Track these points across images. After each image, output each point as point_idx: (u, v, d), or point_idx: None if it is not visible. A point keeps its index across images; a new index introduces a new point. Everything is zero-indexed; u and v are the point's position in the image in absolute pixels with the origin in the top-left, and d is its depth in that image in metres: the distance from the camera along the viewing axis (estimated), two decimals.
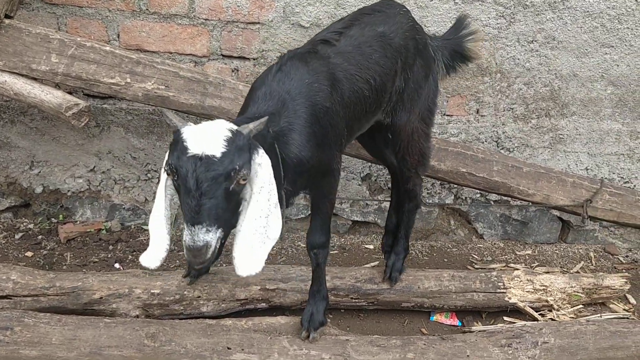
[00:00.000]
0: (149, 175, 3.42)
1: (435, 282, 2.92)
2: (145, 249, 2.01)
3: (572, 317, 3.03)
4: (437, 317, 3.00)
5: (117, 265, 3.13)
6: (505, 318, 3.02)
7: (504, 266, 3.56)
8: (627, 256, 3.86)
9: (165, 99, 2.80)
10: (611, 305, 3.21)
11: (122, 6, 3.11)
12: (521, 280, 3.04)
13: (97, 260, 3.17)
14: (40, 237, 3.30)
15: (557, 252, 3.83)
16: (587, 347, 2.52)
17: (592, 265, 3.70)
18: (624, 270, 3.65)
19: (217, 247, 1.81)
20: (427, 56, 2.66)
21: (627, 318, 3.11)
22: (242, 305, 2.74)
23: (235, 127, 1.85)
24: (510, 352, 2.46)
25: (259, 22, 3.20)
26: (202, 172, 1.74)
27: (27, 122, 3.27)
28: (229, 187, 1.78)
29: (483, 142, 3.57)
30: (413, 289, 2.89)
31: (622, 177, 3.75)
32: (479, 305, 2.98)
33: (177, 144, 1.81)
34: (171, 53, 3.20)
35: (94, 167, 3.39)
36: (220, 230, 1.78)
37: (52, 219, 3.44)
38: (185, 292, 2.64)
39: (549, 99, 3.54)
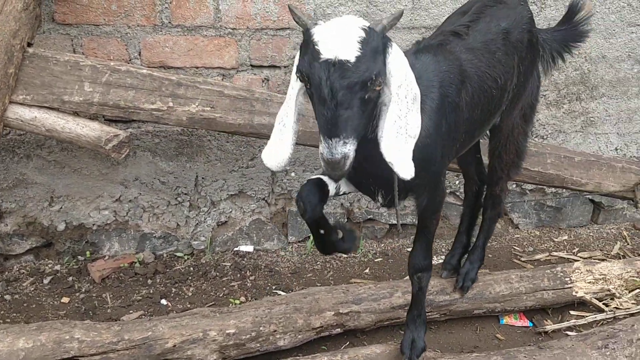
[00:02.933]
0: (179, 199, 3.19)
1: (505, 286, 2.83)
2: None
3: (634, 303, 3.01)
4: (507, 320, 2.91)
5: (164, 302, 2.91)
6: (572, 312, 2.97)
7: (548, 256, 3.52)
8: None
9: (212, 120, 2.58)
10: None
11: (142, 21, 2.84)
12: (581, 272, 2.99)
13: (140, 298, 2.93)
14: (70, 278, 3.03)
15: (591, 234, 3.81)
16: None
17: (629, 244, 3.70)
18: None
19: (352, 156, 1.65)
20: (535, 50, 2.52)
21: None
22: (318, 334, 2.59)
23: (367, 25, 1.66)
24: (608, 353, 2.39)
25: (289, 28, 3.00)
26: (337, 80, 1.57)
27: (45, 156, 2.97)
28: (365, 96, 1.62)
29: None
30: (485, 295, 2.80)
31: None
32: (548, 303, 2.92)
33: (308, 47, 1.64)
34: (197, 68, 2.97)
35: (120, 196, 3.13)
36: (356, 139, 1.64)
37: (79, 256, 3.17)
38: (261, 328, 2.46)
39: (580, 83, 3.48)
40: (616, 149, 3.69)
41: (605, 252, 3.58)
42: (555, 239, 3.73)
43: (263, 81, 3.07)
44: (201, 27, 2.91)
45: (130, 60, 2.90)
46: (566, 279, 2.92)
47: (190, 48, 2.93)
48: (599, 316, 2.91)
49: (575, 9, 2.68)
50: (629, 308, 2.97)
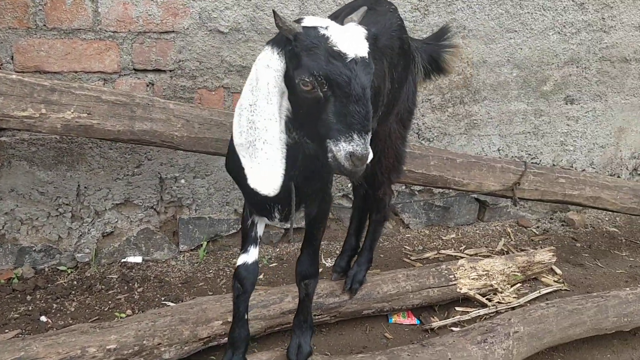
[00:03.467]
0: (60, 210, 3.04)
1: (392, 285, 2.90)
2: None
3: (515, 297, 3.17)
4: (395, 319, 2.98)
5: (43, 319, 2.76)
6: (457, 308, 3.08)
7: (436, 254, 3.64)
8: (537, 227, 4.11)
9: (89, 127, 2.48)
10: (543, 279, 3.39)
11: (14, 23, 2.69)
12: (466, 269, 3.11)
13: (17, 315, 2.77)
14: None
15: (477, 232, 3.98)
16: (552, 330, 2.64)
17: (512, 240, 3.90)
18: (540, 242, 3.90)
19: None
20: (408, 56, 2.57)
21: (561, 290, 3.31)
22: (206, 344, 2.53)
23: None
24: (487, 347, 2.50)
25: (173, 31, 2.93)
26: (364, 76, 1.61)
27: None
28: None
29: None
30: (373, 295, 2.85)
31: (529, 154, 3.97)
32: (434, 301, 3.01)
33: (317, 48, 1.62)
34: (76, 72, 2.84)
35: None
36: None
37: None
38: (144, 342, 2.37)
39: (463, 87, 3.63)
40: (498, 150, 3.88)
41: (490, 249, 3.75)
42: (444, 237, 3.87)
43: (147, 85, 2.99)
44: (79, 30, 2.78)
45: (1, 65, 2.73)
46: (450, 277, 3.02)
47: (68, 52, 2.80)
48: (482, 311, 3.03)
49: (445, 33, 2.80)
50: (510, 302, 3.12)
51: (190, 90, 3.05)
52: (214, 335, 2.53)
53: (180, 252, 3.34)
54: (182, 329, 2.46)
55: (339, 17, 2.30)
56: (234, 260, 3.37)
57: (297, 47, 1.65)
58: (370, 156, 1.64)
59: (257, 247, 2.27)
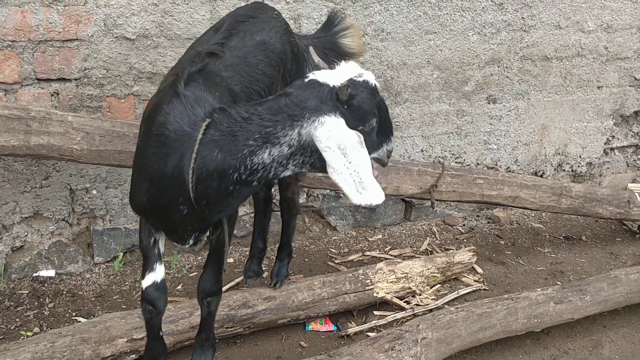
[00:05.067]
0: None
1: (308, 293, 2.89)
2: None
3: (434, 299, 3.20)
4: (313, 326, 2.98)
5: None
6: (376, 312, 3.09)
7: (361, 256, 3.64)
8: (464, 225, 4.16)
9: None
10: (463, 279, 3.44)
11: None
12: (384, 272, 3.12)
13: None
14: None
15: (404, 232, 4.01)
16: (461, 334, 2.67)
17: (437, 240, 3.93)
18: (464, 240, 3.94)
19: None
20: (299, 58, 2.57)
21: (480, 290, 3.35)
22: None
23: None
24: (395, 355, 2.51)
25: (77, 39, 2.84)
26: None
27: None
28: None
29: None
30: (288, 304, 2.83)
31: (453, 154, 4.00)
32: (351, 306, 3.02)
33: (362, 93, 1.89)
34: None
35: None
36: None
37: None
38: None
39: (383, 90, 3.62)
40: (422, 151, 3.90)
41: (415, 249, 3.77)
42: (370, 239, 3.88)
43: (52, 95, 2.89)
44: None
45: None
46: (367, 281, 3.03)
47: None
48: (399, 314, 3.05)
49: (335, 20, 2.81)
50: (428, 304, 3.14)
51: (98, 99, 2.96)
52: (118, 353, 2.48)
53: (96, 264, 3.26)
54: (83, 349, 2.40)
55: (221, 29, 2.26)
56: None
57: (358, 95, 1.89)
58: None
59: (162, 263, 2.21)
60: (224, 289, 3.02)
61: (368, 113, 1.90)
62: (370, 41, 3.45)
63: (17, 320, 2.84)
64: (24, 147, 2.45)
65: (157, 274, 2.16)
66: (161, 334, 2.28)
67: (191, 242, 2.09)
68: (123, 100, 3.00)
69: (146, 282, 2.15)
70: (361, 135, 1.82)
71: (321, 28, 2.87)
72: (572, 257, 3.86)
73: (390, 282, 3.12)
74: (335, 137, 1.78)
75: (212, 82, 2.03)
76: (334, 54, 2.73)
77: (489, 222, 4.24)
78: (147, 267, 2.17)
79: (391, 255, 3.64)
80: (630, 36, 4.26)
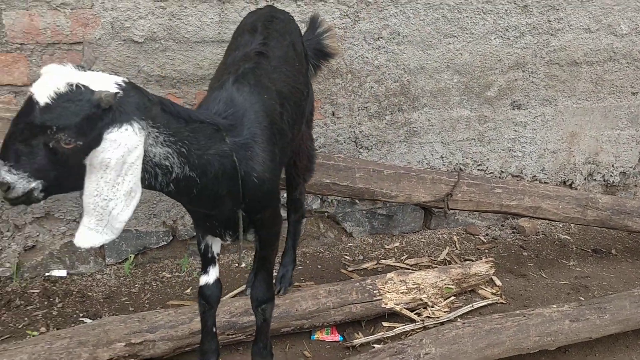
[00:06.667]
0: None
1: (312, 302, 2.83)
2: None
3: (447, 311, 3.09)
4: (318, 335, 2.91)
5: None
6: (384, 324, 3.00)
7: (376, 264, 3.56)
8: (487, 234, 4.03)
9: None
10: (480, 291, 3.31)
11: None
12: (395, 283, 3.03)
13: None
14: None
15: (423, 240, 3.90)
16: (467, 350, 2.56)
17: (457, 249, 3.81)
18: (486, 250, 3.81)
19: (32, 194, 1.58)
20: (306, 60, 2.63)
21: (497, 303, 3.23)
22: None
23: (85, 84, 1.54)
24: None
25: (83, 42, 2.86)
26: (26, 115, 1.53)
27: None
28: (48, 143, 1.53)
29: (342, 144, 3.50)
30: (291, 313, 2.78)
31: (475, 161, 3.88)
32: (357, 317, 2.94)
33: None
34: None
35: None
36: (32, 179, 1.55)
37: None
38: None
39: (400, 94, 3.54)
40: (442, 157, 3.79)
41: (433, 258, 3.66)
42: (387, 246, 3.79)
43: None
44: None
45: None
46: (375, 292, 2.95)
47: None
48: (408, 327, 2.95)
49: (316, 23, 2.80)
50: (440, 317, 3.04)
51: None
52: (116, 357, 2.46)
53: (107, 265, 3.27)
54: (80, 352, 2.40)
55: (257, 30, 2.29)
56: (163, 273, 3.32)
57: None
58: (13, 191, 1.57)
59: (216, 265, 2.30)
60: (228, 296, 3.04)
61: None
62: (385, 44, 3.37)
63: (26, 319, 2.87)
64: None
65: (210, 276, 2.28)
66: (214, 330, 2.35)
67: (228, 239, 2.15)
68: None
69: (200, 282, 2.30)
70: None
71: (307, 31, 2.85)
72: (598, 272, 3.69)
73: (401, 292, 3.03)
74: None
75: (263, 85, 2.05)
76: (320, 54, 2.78)
77: (513, 232, 4.10)
78: (202, 269, 2.31)
79: (407, 265, 3.55)
80: None
